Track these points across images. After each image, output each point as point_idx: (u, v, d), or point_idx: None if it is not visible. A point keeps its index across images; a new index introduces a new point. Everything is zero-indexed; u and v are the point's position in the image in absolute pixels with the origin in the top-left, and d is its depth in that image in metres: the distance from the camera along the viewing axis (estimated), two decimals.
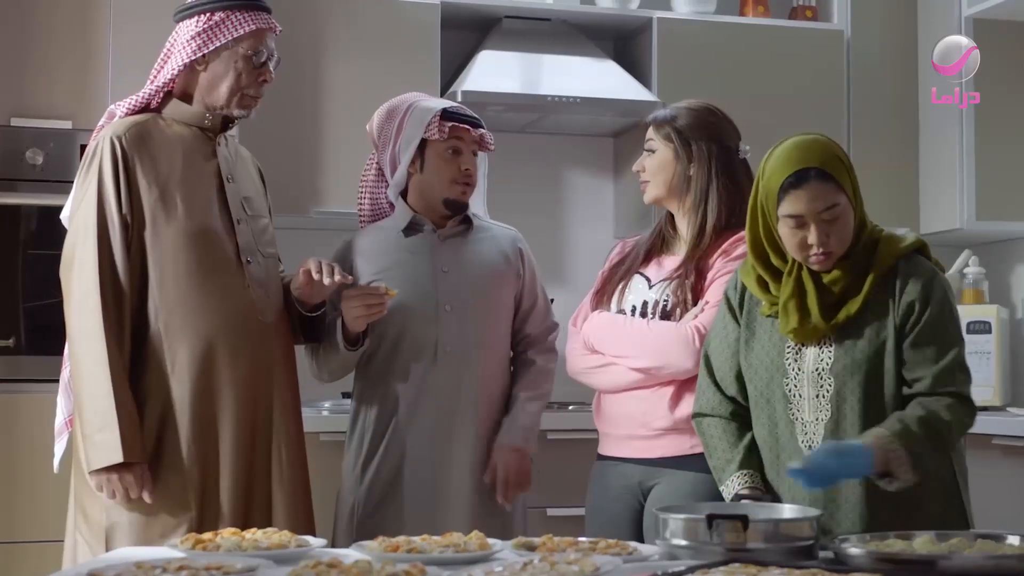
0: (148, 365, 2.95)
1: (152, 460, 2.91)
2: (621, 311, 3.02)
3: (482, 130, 3.27)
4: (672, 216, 3.07)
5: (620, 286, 3.05)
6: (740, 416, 2.69)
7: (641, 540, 2.82)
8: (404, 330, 3.17)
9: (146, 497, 2.88)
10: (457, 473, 3.15)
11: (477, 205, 3.37)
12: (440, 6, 4.52)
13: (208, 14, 3.03)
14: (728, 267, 2.90)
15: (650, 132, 3.06)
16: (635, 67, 4.79)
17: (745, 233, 2.65)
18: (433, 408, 3.15)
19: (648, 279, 3.02)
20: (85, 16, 4.06)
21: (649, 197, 3.06)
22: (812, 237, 2.51)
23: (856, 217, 2.56)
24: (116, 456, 2.83)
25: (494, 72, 4.55)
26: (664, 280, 2.99)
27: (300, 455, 3.12)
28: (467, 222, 3.29)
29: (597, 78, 4.64)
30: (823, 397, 2.55)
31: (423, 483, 3.14)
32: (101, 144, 2.99)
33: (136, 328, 2.95)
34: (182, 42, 3.04)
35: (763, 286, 2.63)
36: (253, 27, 3.04)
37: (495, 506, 3.16)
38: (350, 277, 3.12)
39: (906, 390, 2.53)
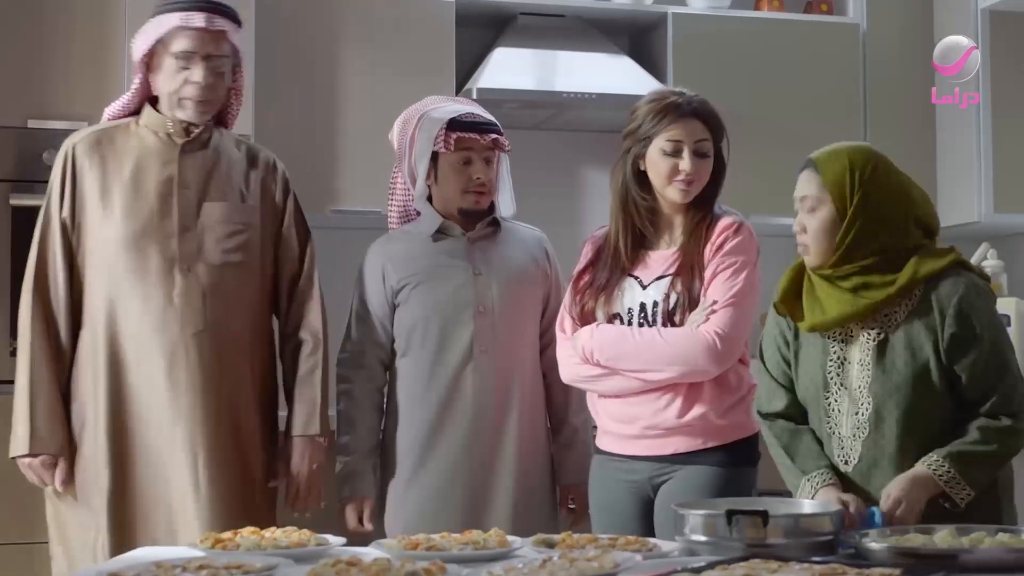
0: (81, 365, 3.06)
1: (75, 455, 3.03)
2: (616, 315, 2.96)
3: (493, 135, 3.25)
4: (650, 212, 3.00)
5: (612, 290, 2.97)
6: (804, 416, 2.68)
7: (650, 535, 2.80)
8: (440, 333, 3.20)
9: (58, 487, 3.00)
10: (499, 471, 3.17)
11: (506, 205, 3.36)
12: (455, 4, 4.51)
13: (153, 16, 3.05)
14: (725, 262, 2.88)
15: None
16: (650, 63, 4.78)
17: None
18: (470, 408, 3.18)
19: (639, 279, 2.97)
20: (101, 18, 4.06)
21: (691, 196, 2.97)
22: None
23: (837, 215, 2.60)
24: (23, 447, 2.99)
25: (509, 69, 4.54)
26: (657, 278, 2.95)
27: (228, 459, 3.05)
28: (495, 224, 3.31)
29: (612, 74, 4.63)
30: (861, 415, 2.54)
31: (467, 483, 3.17)
32: (61, 149, 3.09)
33: (76, 329, 3.06)
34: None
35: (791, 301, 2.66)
36: (174, 24, 3.01)
37: (536, 501, 3.22)
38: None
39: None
